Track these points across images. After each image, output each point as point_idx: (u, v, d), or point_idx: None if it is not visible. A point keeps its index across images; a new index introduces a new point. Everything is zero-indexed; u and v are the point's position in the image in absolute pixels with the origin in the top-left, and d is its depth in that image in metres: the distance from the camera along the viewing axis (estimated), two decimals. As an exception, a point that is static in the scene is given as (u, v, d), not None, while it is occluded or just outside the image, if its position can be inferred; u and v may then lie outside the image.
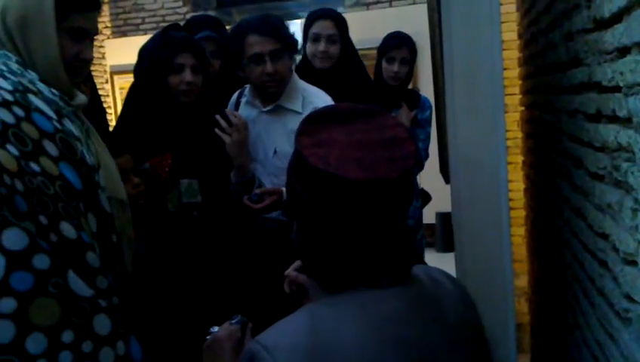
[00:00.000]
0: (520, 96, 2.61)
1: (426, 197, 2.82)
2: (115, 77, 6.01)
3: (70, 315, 0.53)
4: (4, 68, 0.64)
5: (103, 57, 6.03)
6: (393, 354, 0.80)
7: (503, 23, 2.92)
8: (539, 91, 1.93)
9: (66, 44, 1.22)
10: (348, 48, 2.35)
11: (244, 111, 2.02)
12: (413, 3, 5.05)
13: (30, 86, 0.65)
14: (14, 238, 0.50)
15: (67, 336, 0.53)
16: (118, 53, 5.78)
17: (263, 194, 1.83)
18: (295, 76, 2.00)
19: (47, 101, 0.65)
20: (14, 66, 0.67)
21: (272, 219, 1.94)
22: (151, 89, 1.79)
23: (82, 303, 0.55)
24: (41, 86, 0.67)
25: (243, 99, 2.06)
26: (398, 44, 2.73)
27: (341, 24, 2.33)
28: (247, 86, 2.05)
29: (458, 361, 0.88)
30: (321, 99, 1.93)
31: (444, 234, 4.95)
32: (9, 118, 0.57)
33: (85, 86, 1.75)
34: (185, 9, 5.95)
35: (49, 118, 0.62)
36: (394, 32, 2.84)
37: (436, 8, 1.86)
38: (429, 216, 4.72)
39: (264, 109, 1.95)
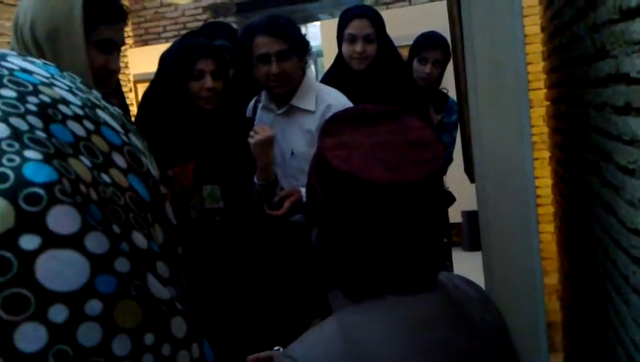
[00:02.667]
0: (545, 91, 2.57)
1: (449, 199, 2.77)
2: (139, 85, 6.09)
3: (151, 318, 0.54)
4: (72, 85, 0.67)
5: (126, 66, 6.12)
6: (425, 358, 0.79)
7: (525, 16, 2.86)
8: (564, 85, 1.89)
9: (94, 55, 1.25)
10: (385, 46, 2.28)
11: (261, 116, 2.04)
12: (433, 0, 5.01)
13: (97, 102, 0.67)
14: (97, 242, 0.51)
15: (149, 339, 0.53)
16: (140, 62, 5.86)
17: (281, 200, 1.82)
18: (308, 76, 2.00)
19: (114, 116, 0.67)
20: (81, 85, 0.69)
21: (295, 222, 1.93)
22: (172, 96, 1.80)
23: (161, 306, 0.56)
24: (106, 103, 0.70)
25: (259, 105, 2.07)
26: (432, 44, 2.65)
27: (377, 22, 2.25)
28: (264, 91, 2.05)
29: None
30: (334, 97, 1.92)
31: (471, 232, 4.89)
32: (80, 131, 0.59)
33: (114, 97, 1.78)
34: (205, 16, 6.00)
35: (117, 132, 0.64)
36: (429, 32, 2.74)
37: (456, 3, 1.83)
38: (454, 214, 4.67)
39: (279, 112, 1.95)
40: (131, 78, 6.15)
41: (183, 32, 5.57)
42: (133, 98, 6.10)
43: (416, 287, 0.84)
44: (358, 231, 0.82)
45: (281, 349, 1.05)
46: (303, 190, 1.84)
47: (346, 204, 0.81)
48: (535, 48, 2.71)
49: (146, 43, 6.28)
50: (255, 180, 1.89)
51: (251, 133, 1.85)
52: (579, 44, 1.50)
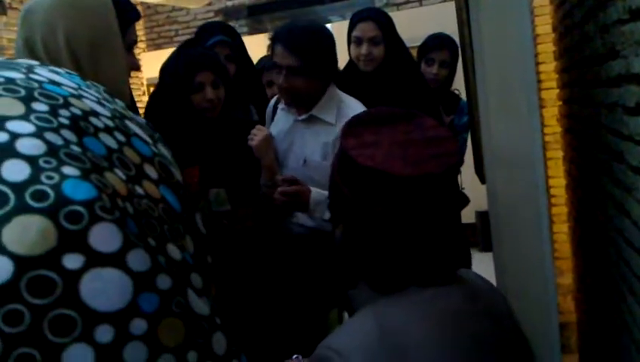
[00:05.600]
0: (557, 91, 2.55)
1: (464, 200, 2.71)
2: (152, 89, 6.14)
3: (193, 335, 0.54)
4: (99, 96, 0.66)
5: (140, 70, 6.17)
6: (461, 349, 0.81)
7: (536, 16, 2.86)
8: (576, 85, 1.88)
9: (126, 58, 1.26)
10: (394, 47, 2.25)
11: (281, 117, 2.02)
12: (444, 1, 5.00)
13: (124, 112, 0.66)
14: (139, 259, 0.51)
15: (192, 357, 0.53)
16: (153, 66, 5.87)
17: (293, 180, 1.77)
18: (333, 86, 1.95)
19: (141, 126, 0.67)
20: (105, 95, 0.69)
21: (301, 225, 1.93)
22: (175, 106, 1.82)
23: (202, 322, 0.55)
24: (132, 114, 0.70)
25: (280, 105, 2.06)
26: (438, 45, 2.63)
27: (384, 24, 2.23)
28: None
29: (513, 355, 0.87)
30: (355, 112, 1.89)
31: (485, 233, 4.87)
32: (112, 144, 0.59)
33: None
34: (217, 19, 6.03)
35: (146, 143, 0.64)
36: (436, 33, 2.72)
37: (464, 5, 1.83)
38: (469, 215, 4.64)
39: (299, 118, 1.94)
40: (144, 82, 6.20)
41: (196, 35, 5.60)
42: (146, 101, 6.15)
43: (439, 280, 0.87)
44: (383, 225, 0.85)
45: (300, 357, 1.05)
46: (314, 191, 1.79)
47: (370, 199, 0.84)
48: (547, 48, 2.70)
49: (158, 47, 6.33)
50: (261, 180, 1.90)
51: (250, 136, 1.86)
52: (589, 44, 1.49)
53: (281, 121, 2.00)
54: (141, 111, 2.64)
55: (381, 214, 0.84)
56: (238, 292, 1.82)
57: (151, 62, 6.00)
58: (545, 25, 2.71)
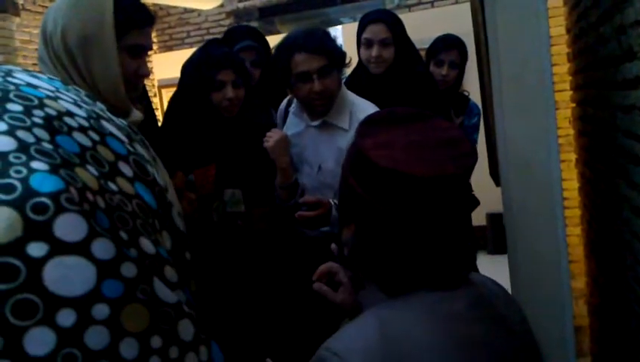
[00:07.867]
0: (570, 93, 2.54)
1: (474, 202, 2.69)
2: (163, 90, 6.18)
3: (158, 321, 0.56)
4: (77, 98, 0.70)
5: (151, 72, 6.21)
6: (464, 354, 0.80)
7: (550, 17, 2.84)
8: (590, 87, 1.87)
9: (125, 61, 1.27)
10: (404, 49, 2.25)
11: (292, 122, 2.01)
12: (456, 2, 4.99)
13: (102, 113, 0.69)
14: (103, 248, 0.53)
15: (156, 342, 0.55)
16: (165, 68, 5.94)
17: (315, 203, 1.78)
18: (344, 90, 1.95)
19: (119, 127, 0.70)
20: (85, 98, 0.72)
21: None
22: (195, 105, 1.82)
23: (168, 309, 0.57)
24: (111, 115, 0.73)
25: (291, 109, 2.06)
26: (447, 46, 2.62)
27: (395, 26, 2.23)
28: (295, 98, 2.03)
29: (521, 360, 0.86)
30: (368, 114, 1.88)
31: (495, 235, 4.85)
32: (86, 142, 0.61)
33: (141, 103, 1.80)
34: (228, 21, 6.06)
35: (122, 142, 0.67)
36: (444, 35, 2.72)
37: (480, 7, 1.82)
38: (479, 217, 4.63)
39: (311, 124, 1.93)
40: (156, 84, 6.23)
41: (207, 37, 5.64)
42: (157, 103, 6.18)
43: (450, 284, 0.86)
44: (400, 225, 0.84)
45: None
46: (335, 208, 1.77)
47: (388, 200, 0.83)
48: (560, 49, 2.68)
49: (170, 49, 6.36)
50: (276, 183, 1.89)
51: (265, 138, 1.86)
52: (605, 45, 1.48)
53: (293, 126, 2.00)
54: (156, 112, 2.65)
55: (398, 214, 0.83)
56: (253, 293, 1.83)
57: (162, 64, 6.04)
58: (558, 26, 2.69)
